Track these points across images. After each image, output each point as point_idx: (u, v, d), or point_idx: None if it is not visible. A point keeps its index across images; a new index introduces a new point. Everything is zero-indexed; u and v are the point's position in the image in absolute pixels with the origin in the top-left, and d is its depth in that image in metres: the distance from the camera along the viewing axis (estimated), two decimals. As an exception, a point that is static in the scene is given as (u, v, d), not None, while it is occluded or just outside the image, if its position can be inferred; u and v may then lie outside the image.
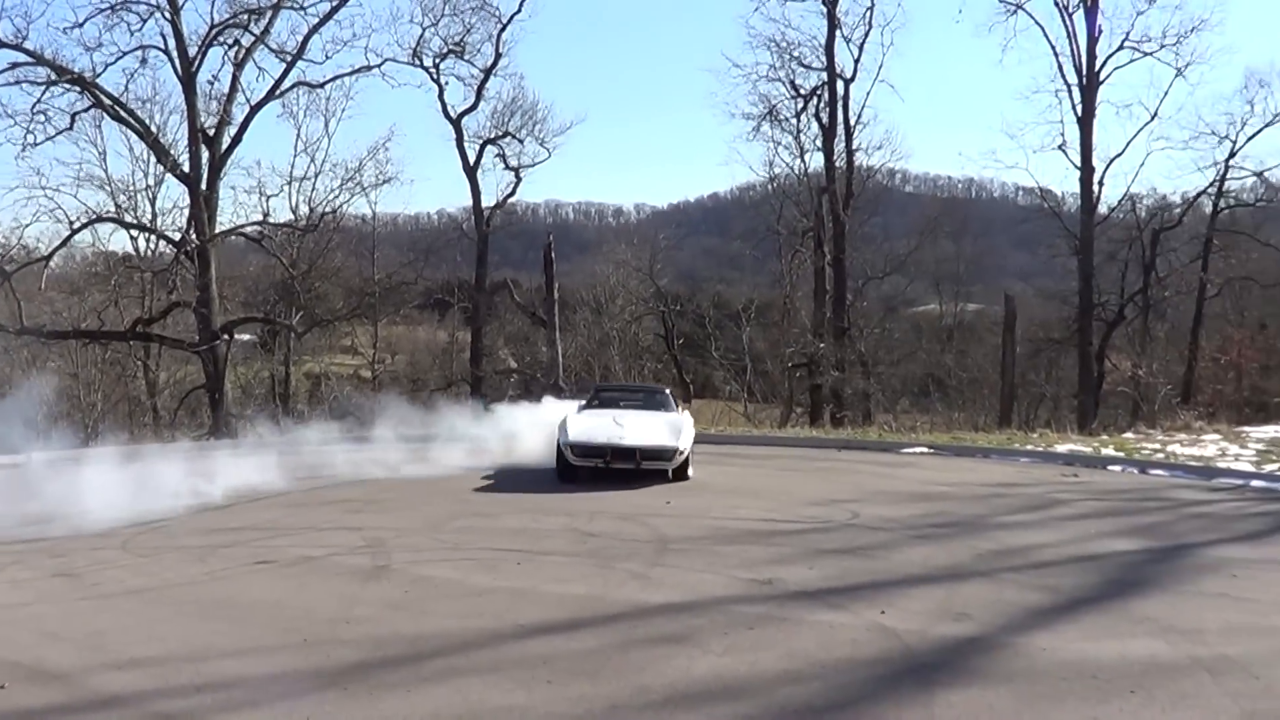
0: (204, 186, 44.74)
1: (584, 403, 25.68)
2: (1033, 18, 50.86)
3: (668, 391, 27.23)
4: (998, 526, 16.84)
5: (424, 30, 51.76)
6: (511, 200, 57.77)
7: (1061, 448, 26.84)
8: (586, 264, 70.74)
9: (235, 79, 45.72)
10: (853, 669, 9.45)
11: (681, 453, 21.90)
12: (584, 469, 21.86)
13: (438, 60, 52.35)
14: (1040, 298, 62.45)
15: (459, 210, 64.29)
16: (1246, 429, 31.97)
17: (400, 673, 9.40)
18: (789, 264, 59.09)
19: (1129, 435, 31.12)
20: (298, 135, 54.51)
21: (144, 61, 44.42)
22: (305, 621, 11.12)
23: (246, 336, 52.48)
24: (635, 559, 14.26)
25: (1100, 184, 51.50)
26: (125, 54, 43.69)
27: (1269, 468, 22.92)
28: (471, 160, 54.31)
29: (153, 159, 48.19)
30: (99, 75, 43.26)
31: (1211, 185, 52.97)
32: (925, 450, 27.69)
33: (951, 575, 13.30)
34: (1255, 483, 21.53)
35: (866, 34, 52.60)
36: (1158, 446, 27.08)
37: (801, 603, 11.81)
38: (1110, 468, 24.08)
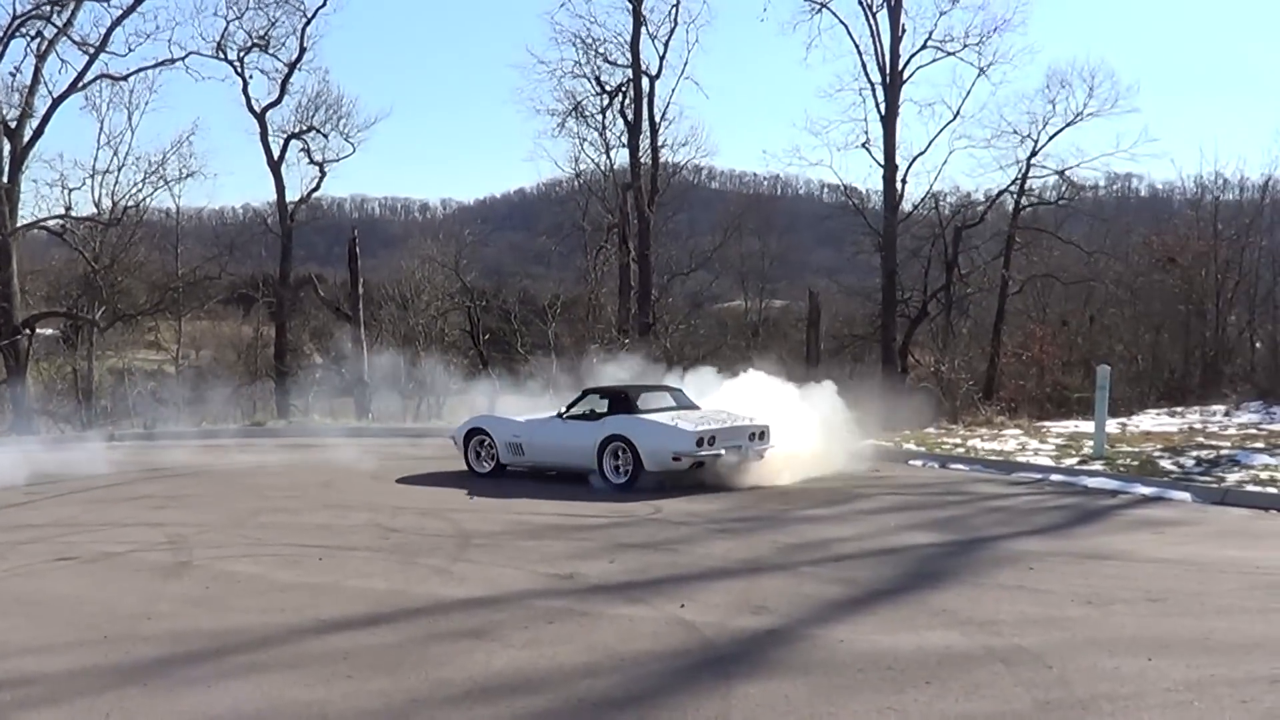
0: (5, 179, 44.13)
1: None
2: (836, 16, 51.17)
3: None
4: (798, 520, 16.90)
5: (228, 23, 51.25)
6: (316, 195, 57.54)
7: (864, 442, 27.12)
8: (393, 259, 70.30)
9: (37, 71, 45.18)
10: (651, 662, 9.54)
11: None
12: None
13: (242, 54, 51.88)
14: (844, 294, 62.95)
15: (264, 205, 63.82)
16: (1047, 424, 32.42)
17: (201, 668, 9.38)
18: (594, 260, 58.97)
19: (931, 430, 31.48)
20: (101, 128, 53.10)
21: (-56, 54, 43.77)
22: (106, 618, 11.07)
23: (48, 331, 51.75)
24: (437, 554, 14.29)
25: (903, 181, 51.97)
26: (-76, 45, 43.02)
27: (1068, 462, 23.19)
28: (276, 155, 53.92)
29: (-48, 151, 47.47)
30: (-101, 67, 42.57)
31: (1014, 183, 53.43)
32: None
33: (751, 569, 13.42)
34: (1054, 476, 21.76)
35: (672, 31, 52.65)
36: (959, 441, 27.34)
37: (602, 597, 11.91)
38: (911, 462, 24.24)
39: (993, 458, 24.15)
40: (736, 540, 15.25)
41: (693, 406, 22.18)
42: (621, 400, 21.77)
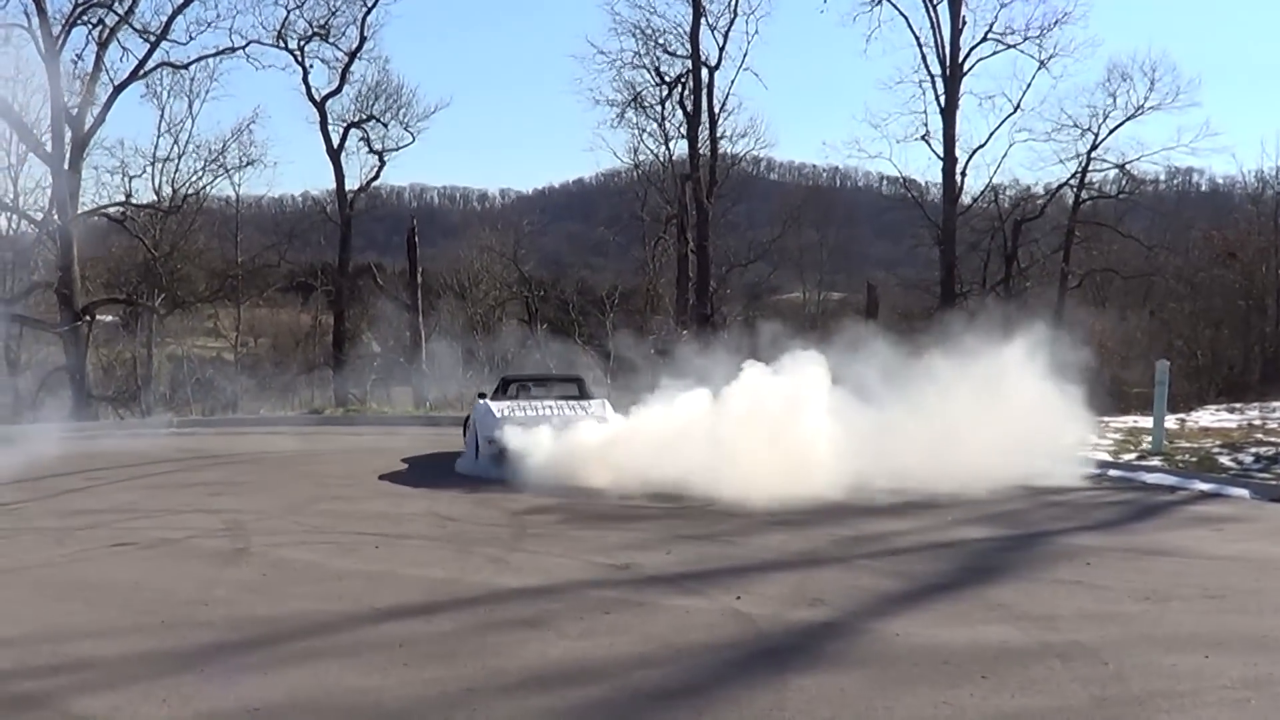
0: (66, 166, 44.23)
1: None
2: (897, 8, 50.62)
3: None
4: (854, 514, 16.76)
5: (288, 12, 51.05)
6: (375, 184, 57.25)
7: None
8: (451, 248, 70.36)
9: (99, 59, 45.25)
10: (707, 653, 9.54)
11: None
12: None
13: (302, 42, 51.68)
14: (903, 287, 62.65)
15: (323, 193, 63.42)
16: (1106, 418, 32.24)
17: (257, 655, 9.43)
18: (653, 251, 58.92)
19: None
20: (161, 116, 53.17)
21: (6, 40, 43.90)
22: (163, 603, 11.14)
23: (108, 318, 52.01)
24: (494, 543, 14.33)
25: (963, 174, 51.40)
26: (-13, 32, 43.18)
27: (1126, 457, 23.08)
28: (335, 143, 53.72)
29: (15, 138, 47.73)
30: (-41, 54, 42.72)
31: (1073, 177, 52.81)
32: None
33: (807, 561, 13.40)
34: (1112, 472, 21.66)
35: (731, 22, 52.10)
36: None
37: (658, 588, 11.90)
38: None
39: (1051, 452, 23.99)
40: (792, 533, 15.19)
41: (578, 397, 22.72)
42: (500, 387, 23.26)
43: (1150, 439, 24.24)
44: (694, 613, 10.80)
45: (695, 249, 52.05)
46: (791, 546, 14.27)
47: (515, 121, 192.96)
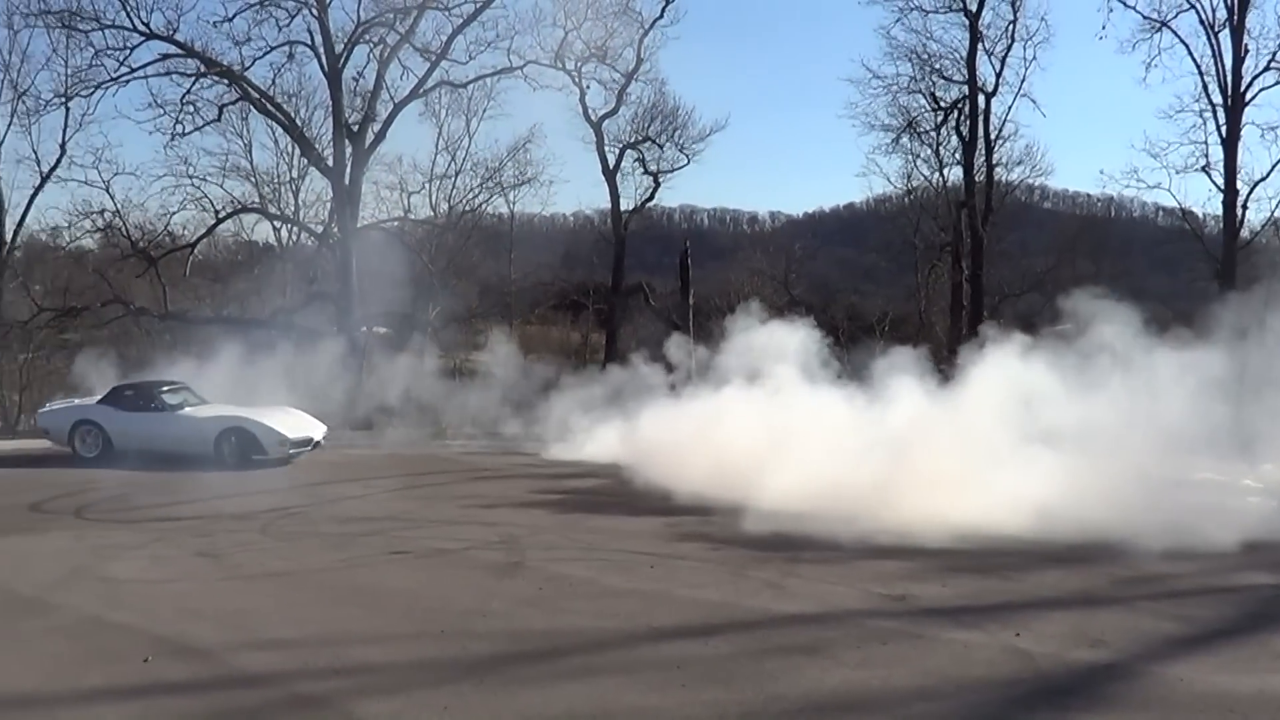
0: (346, 181, 45.19)
1: None
2: (1177, 35, 49.71)
3: None
4: (1131, 553, 16.28)
5: (566, 34, 51.29)
6: (648, 205, 57.74)
7: (1199, 476, 26.29)
8: (719, 270, 70.46)
9: (380, 76, 46.01)
10: (987, 689, 9.40)
11: None
12: None
13: (579, 64, 51.90)
14: (1180, 322, 61.61)
15: (595, 213, 64.05)
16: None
17: (536, 668, 9.53)
18: (925, 278, 58.64)
19: (1271, 466, 30.43)
20: (439, 133, 54.26)
21: (291, 57, 44.89)
22: (441, 613, 11.33)
23: (382, 330, 52.97)
24: (768, 567, 14.24)
25: (1244, 207, 50.52)
26: (273, 49, 44.15)
27: None
28: (611, 164, 54.04)
29: (297, 152, 48.97)
30: (247, 69, 43.72)
31: (1360, 210, 51.91)
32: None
33: (1086, 600, 13.11)
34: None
35: (1008, 48, 51.62)
36: (1303, 477, 26.42)
37: (935, 620, 11.73)
38: (1250, 499, 23.49)
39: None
40: (1068, 570, 14.81)
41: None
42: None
43: None
44: (972, 647, 10.63)
45: (969, 277, 51.61)
46: (1068, 584, 13.95)
47: (786, 144, 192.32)
